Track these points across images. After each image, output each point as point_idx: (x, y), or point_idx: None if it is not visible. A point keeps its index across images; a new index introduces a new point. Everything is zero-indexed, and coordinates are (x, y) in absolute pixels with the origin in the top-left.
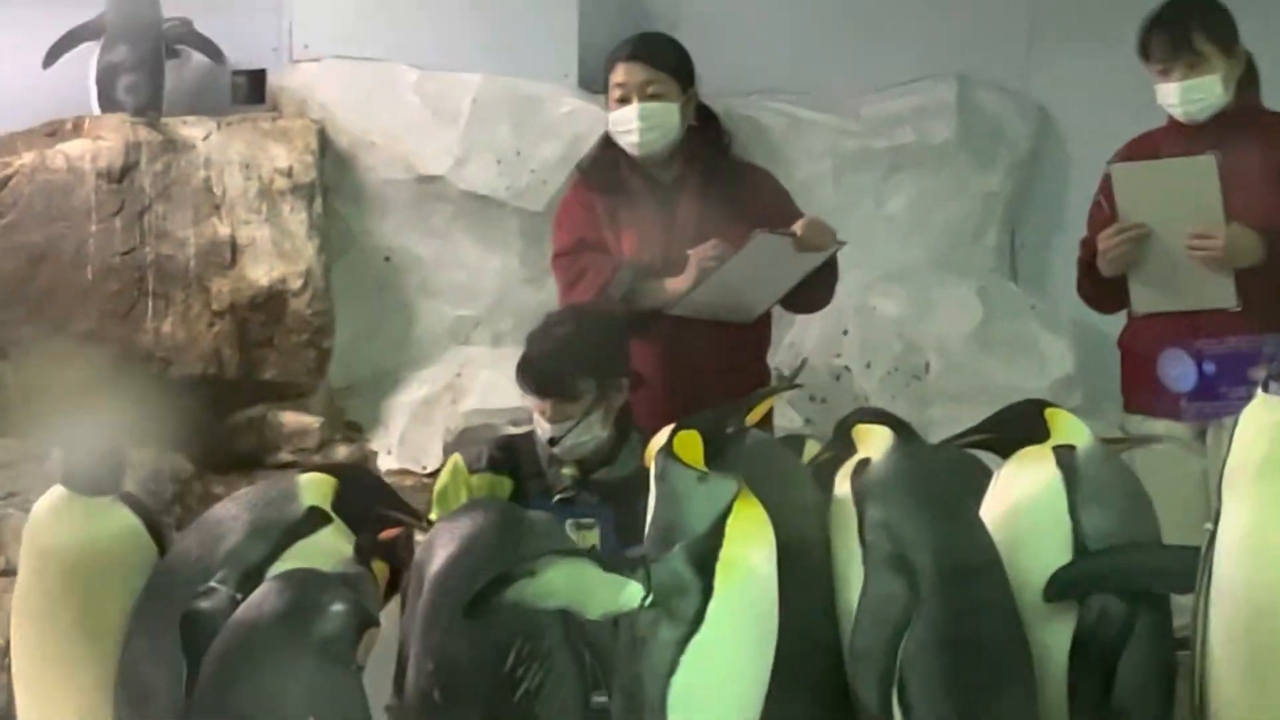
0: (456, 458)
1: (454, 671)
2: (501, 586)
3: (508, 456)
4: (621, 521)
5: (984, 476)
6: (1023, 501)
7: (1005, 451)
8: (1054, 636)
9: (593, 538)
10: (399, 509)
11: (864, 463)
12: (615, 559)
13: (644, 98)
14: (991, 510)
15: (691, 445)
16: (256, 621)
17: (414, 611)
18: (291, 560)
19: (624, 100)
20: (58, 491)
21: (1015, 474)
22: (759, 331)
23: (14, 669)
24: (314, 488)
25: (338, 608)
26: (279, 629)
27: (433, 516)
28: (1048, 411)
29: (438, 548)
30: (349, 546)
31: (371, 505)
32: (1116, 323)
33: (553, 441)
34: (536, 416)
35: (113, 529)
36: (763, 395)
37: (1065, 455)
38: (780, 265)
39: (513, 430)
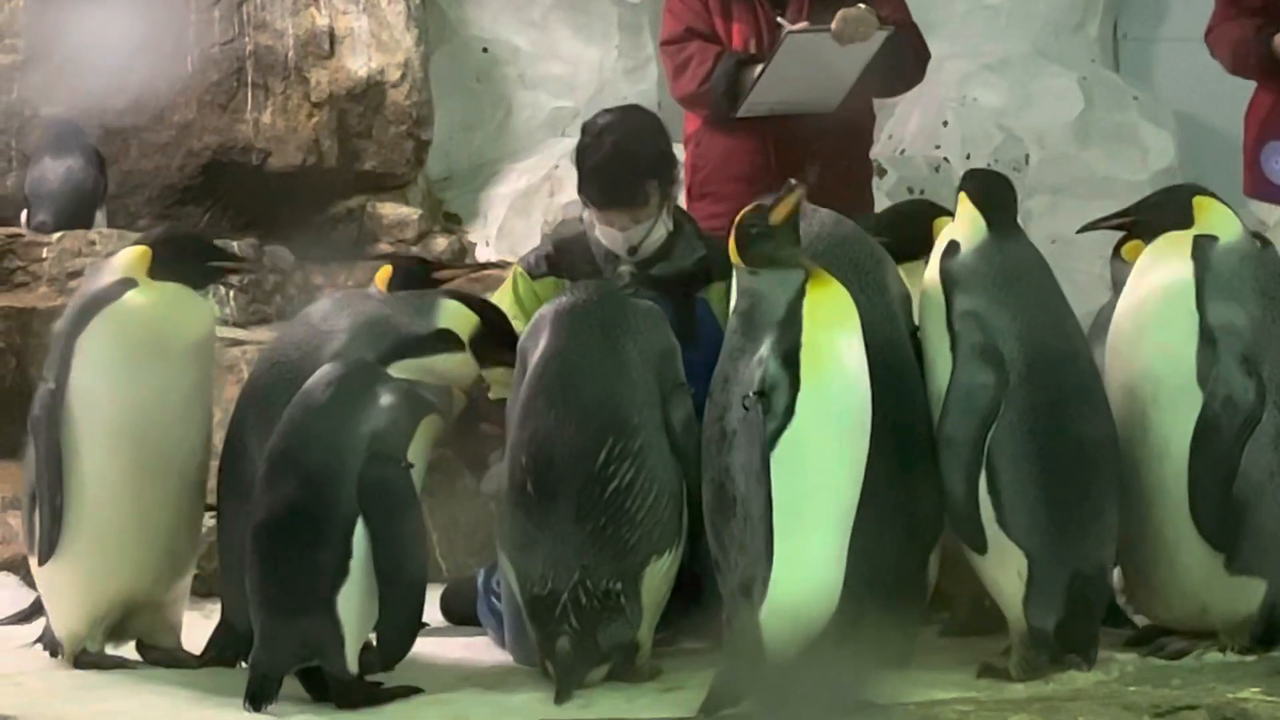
0: (517, 268)
1: (547, 467)
2: None
3: (564, 259)
4: (678, 314)
5: None
6: (1154, 290)
7: (1149, 236)
8: (1176, 424)
9: None
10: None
11: (953, 246)
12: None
13: None
14: (1125, 296)
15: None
16: (309, 416)
17: (516, 400)
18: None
19: None
20: (168, 287)
21: (1153, 261)
22: (860, 123)
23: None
24: (454, 315)
25: (387, 401)
26: (330, 424)
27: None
28: (1196, 200)
29: (541, 335)
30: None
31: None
32: (1220, 114)
33: (632, 250)
34: (604, 229)
35: (208, 314)
36: (779, 197)
37: (1204, 246)
38: (834, 58)
39: (562, 234)
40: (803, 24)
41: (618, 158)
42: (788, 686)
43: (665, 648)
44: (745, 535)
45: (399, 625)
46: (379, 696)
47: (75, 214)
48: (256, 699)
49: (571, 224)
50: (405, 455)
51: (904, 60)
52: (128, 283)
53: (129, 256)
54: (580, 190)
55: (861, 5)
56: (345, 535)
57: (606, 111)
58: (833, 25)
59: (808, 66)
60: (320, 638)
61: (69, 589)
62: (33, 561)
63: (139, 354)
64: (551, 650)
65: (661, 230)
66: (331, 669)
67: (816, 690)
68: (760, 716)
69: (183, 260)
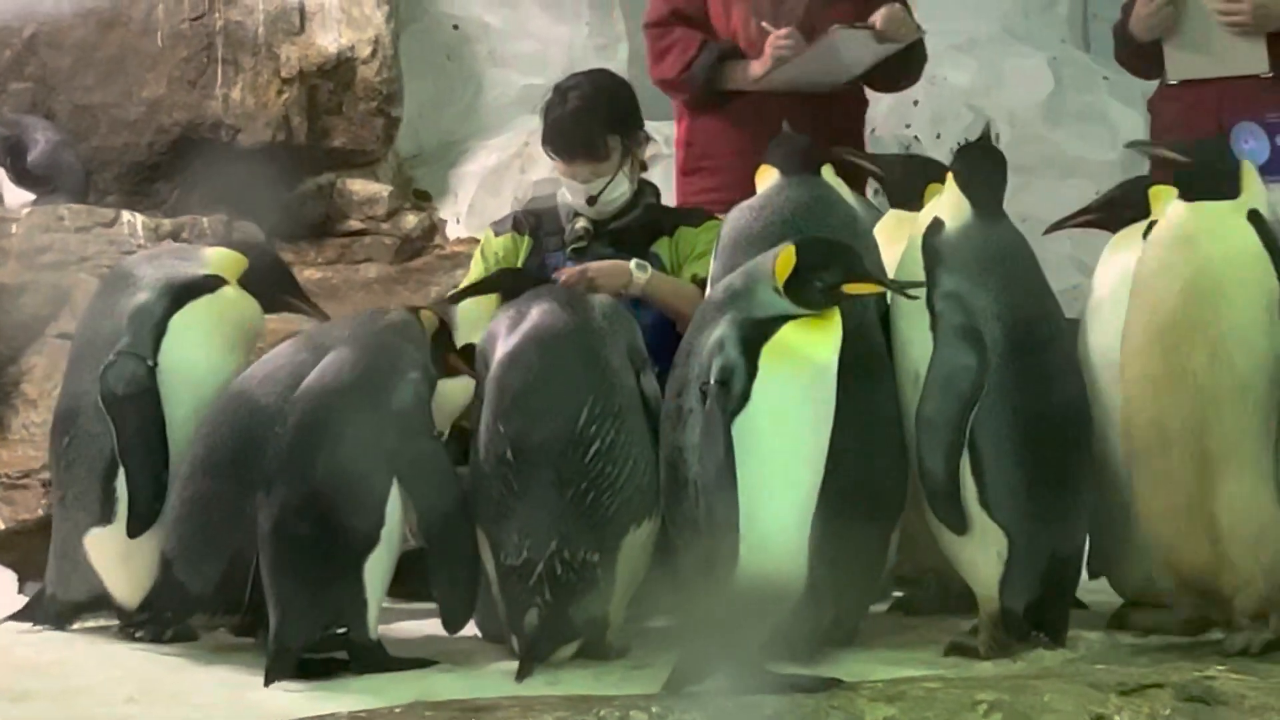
0: (488, 230)
1: (527, 430)
2: None
3: (530, 219)
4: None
5: None
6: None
7: (1116, 229)
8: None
9: None
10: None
11: (937, 224)
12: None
13: None
14: (1094, 283)
15: (786, 263)
16: (332, 395)
17: (483, 384)
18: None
19: None
20: (250, 299)
21: (1115, 251)
22: (854, 101)
23: None
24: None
25: (412, 375)
26: (356, 402)
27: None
28: (1152, 189)
29: (503, 329)
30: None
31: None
32: None
33: (591, 200)
34: (567, 182)
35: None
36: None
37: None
38: (858, 53)
39: (535, 199)
40: (848, 24)
41: (579, 109)
42: (751, 665)
43: (632, 625)
44: (698, 514)
45: (460, 589)
46: (400, 664)
47: (85, 187)
48: (277, 672)
49: (547, 196)
50: (434, 426)
51: (913, 61)
52: (220, 280)
53: (224, 259)
54: (544, 142)
55: (898, 4)
56: (380, 503)
57: (578, 73)
58: (877, 24)
59: (833, 60)
60: (347, 604)
61: (130, 560)
62: (102, 531)
63: (226, 344)
64: (519, 624)
65: (624, 186)
66: (356, 635)
67: (779, 668)
68: (724, 694)
69: (269, 283)
